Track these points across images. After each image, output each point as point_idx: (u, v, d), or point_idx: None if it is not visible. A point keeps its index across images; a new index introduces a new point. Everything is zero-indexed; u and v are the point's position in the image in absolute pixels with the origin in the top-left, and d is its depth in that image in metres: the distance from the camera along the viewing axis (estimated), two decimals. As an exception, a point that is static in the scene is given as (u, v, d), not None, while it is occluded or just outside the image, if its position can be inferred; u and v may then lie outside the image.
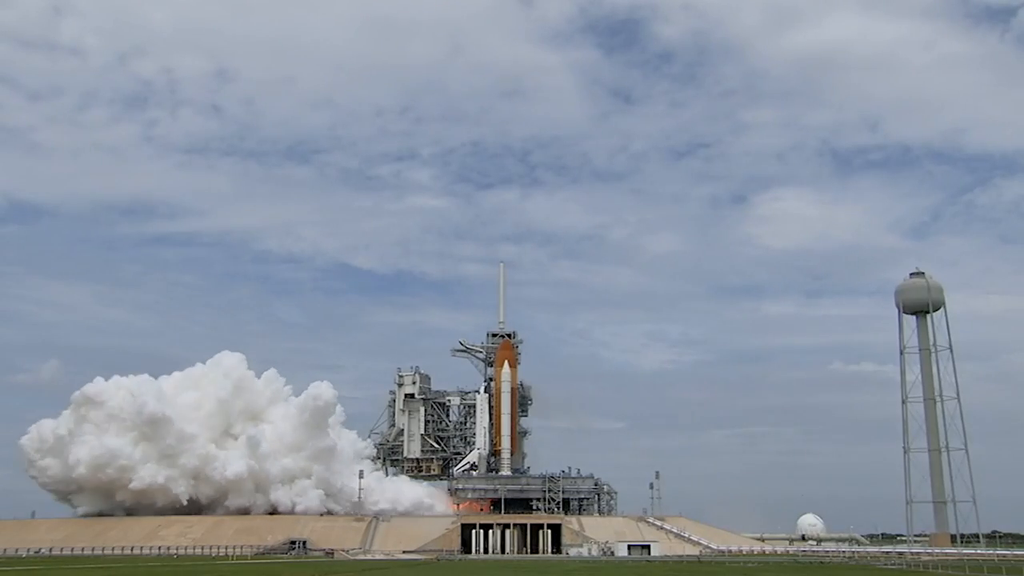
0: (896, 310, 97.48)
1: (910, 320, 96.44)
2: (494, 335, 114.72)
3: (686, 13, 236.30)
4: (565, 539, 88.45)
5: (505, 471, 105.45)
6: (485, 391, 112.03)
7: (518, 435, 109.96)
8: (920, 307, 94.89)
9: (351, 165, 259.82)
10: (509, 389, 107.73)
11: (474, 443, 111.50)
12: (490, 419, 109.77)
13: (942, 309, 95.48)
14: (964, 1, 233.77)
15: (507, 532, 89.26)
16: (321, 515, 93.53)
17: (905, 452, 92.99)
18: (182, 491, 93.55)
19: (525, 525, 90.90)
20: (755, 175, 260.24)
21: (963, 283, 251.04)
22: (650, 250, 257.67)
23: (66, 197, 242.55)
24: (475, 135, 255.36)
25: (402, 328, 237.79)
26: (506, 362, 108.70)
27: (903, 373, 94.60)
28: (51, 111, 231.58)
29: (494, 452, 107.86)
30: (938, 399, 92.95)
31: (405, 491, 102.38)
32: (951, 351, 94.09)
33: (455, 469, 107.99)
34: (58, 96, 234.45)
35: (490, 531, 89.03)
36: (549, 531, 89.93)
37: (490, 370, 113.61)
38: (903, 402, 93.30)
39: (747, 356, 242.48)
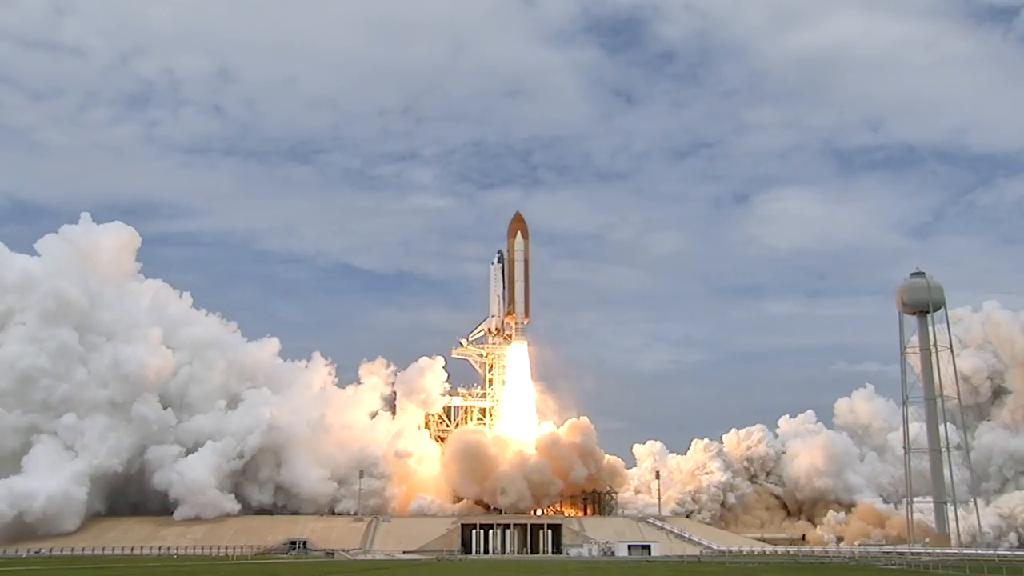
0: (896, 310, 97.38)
1: (910, 320, 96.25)
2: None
3: (688, 13, 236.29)
4: (565, 539, 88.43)
5: (518, 336, 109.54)
6: (499, 262, 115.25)
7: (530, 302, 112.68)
8: (920, 307, 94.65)
9: (353, 165, 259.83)
10: (523, 259, 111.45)
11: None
12: (503, 287, 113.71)
13: (942, 309, 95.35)
14: (966, 1, 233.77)
15: (507, 532, 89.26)
16: (320, 515, 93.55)
17: (906, 452, 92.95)
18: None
19: (525, 525, 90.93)
20: (757, 175, 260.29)
21: (965, 283, 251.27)
22: (652, 250, 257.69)
23: (66, 197, 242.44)
24: (477, 135, 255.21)
25: (403, 328, 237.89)
26: (519, 233, 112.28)
27: (903, 373, 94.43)
28: (53, 111, 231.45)
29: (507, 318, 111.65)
30: (938, 399, 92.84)
31: None
32: (951, 351, 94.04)
33: (468, 336, 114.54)
34: (60, 96, 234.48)
35: (490, 531, 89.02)
36: (549, 531, 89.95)
37: (490, 372, 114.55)
38: (904, 402, 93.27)
39: (749, 356, 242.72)
